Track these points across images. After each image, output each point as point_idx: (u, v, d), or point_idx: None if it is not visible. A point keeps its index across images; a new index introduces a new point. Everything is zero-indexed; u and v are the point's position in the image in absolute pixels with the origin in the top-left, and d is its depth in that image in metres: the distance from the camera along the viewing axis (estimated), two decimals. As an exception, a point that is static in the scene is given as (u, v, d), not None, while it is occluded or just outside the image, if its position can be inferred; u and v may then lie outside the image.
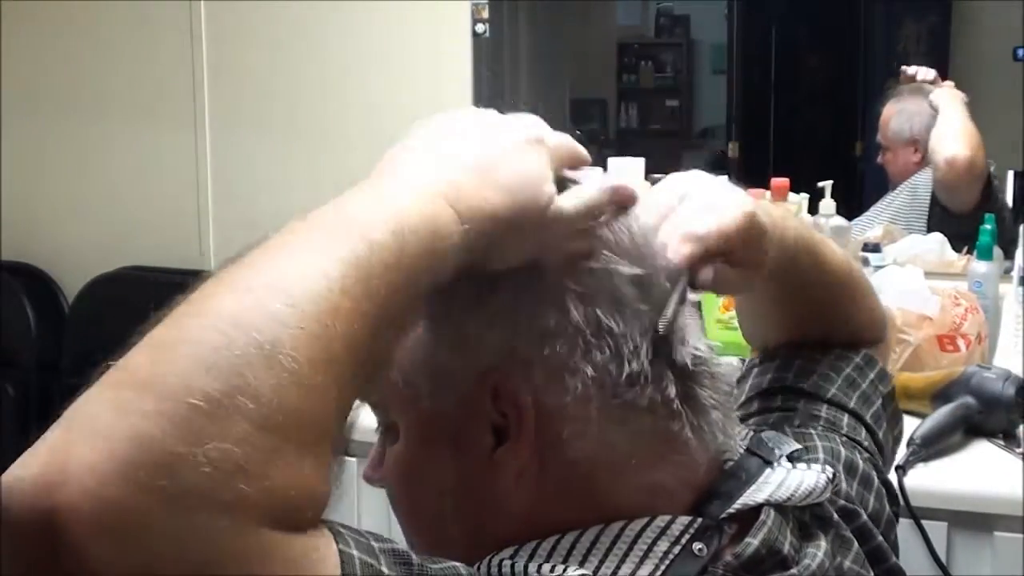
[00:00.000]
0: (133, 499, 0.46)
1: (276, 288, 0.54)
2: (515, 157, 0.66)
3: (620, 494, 0.67)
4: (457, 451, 0.69)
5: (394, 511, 0.76)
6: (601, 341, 0.67)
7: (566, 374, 0.67)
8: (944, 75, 2.46)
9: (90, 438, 0.48)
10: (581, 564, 0.65)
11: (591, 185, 0.69)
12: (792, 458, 0.74)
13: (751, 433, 0.76)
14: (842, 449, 0.84)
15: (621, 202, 0.70)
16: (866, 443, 0.90)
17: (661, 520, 0.66)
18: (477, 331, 0.68)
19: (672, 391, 0.69)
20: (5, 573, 0.47)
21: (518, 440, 0.67)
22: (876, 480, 0.86)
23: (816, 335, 0.94)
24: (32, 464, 0.48)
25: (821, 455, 0.81)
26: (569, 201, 0.67)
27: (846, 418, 0.90)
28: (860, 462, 0.85)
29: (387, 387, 0.71)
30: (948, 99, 2.39)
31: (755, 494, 0.69)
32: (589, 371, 0.67)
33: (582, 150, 0.72)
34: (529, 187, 0.65)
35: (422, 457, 0.71)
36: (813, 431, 0.86)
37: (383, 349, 0.58)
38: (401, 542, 0.60)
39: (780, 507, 0.70)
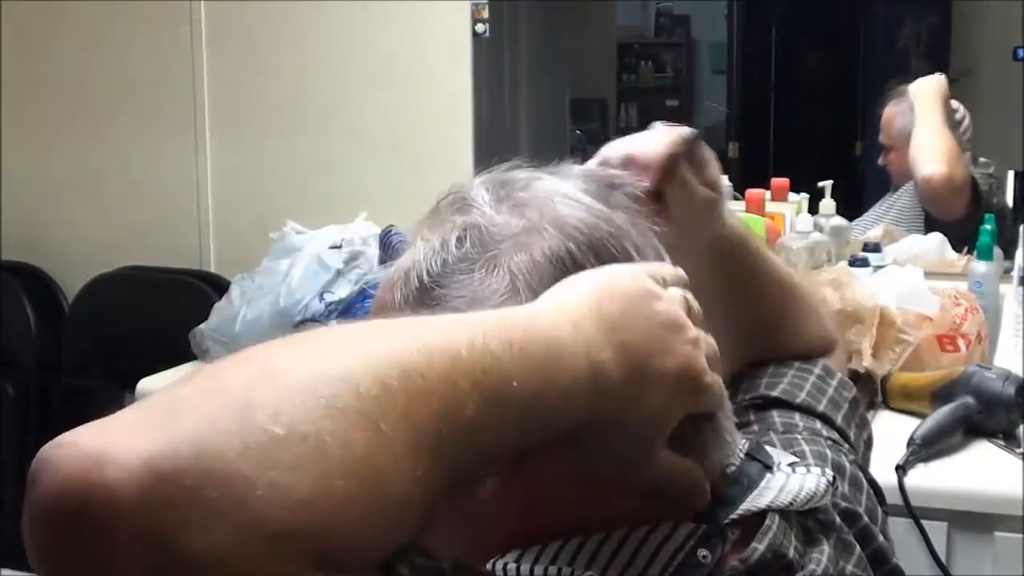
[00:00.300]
0: (176, 498, 0.45)
1: (394, 361, 0.52)
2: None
3: (618, 506, 0.67)
4: None
5: None
6: None
7: None
8: (944, 75, 2.46)
9: (158, 429, 0.47)
10: (586, 568, 0.64)
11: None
12: (791, 466, 0.74)
13: (746, 440, 0.76)
14: (828, 452, 0.84)
15: None
16: (844, 446, 0.90)
17: (665, 527, 0.66)
18: None
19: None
20: (27, 528, 0.46)
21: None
22: (864, 480, 0.86)
23: (770, 354, 0.95)
24: (93, 433, 0.47)
25: (810, 460, 0.81)
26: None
27: (818, 423, 0.90)
28: (847, 464, 0.85)
29: None
30: (924, 99, 2.38)
31: (757, 499, 0.69)
32: None
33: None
34: (647, 439, 0.63)
35: None
36: (799, 436, 0.86)
37: (484, 464, 0.56)
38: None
39: (784, 512, 0.70)
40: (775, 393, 0.91)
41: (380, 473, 0.49)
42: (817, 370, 0.95)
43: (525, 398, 0.55)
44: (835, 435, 0.90)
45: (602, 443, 0.61)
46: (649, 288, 0.63)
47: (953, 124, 2.35)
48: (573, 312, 0.60)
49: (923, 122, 2.36)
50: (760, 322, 0.92)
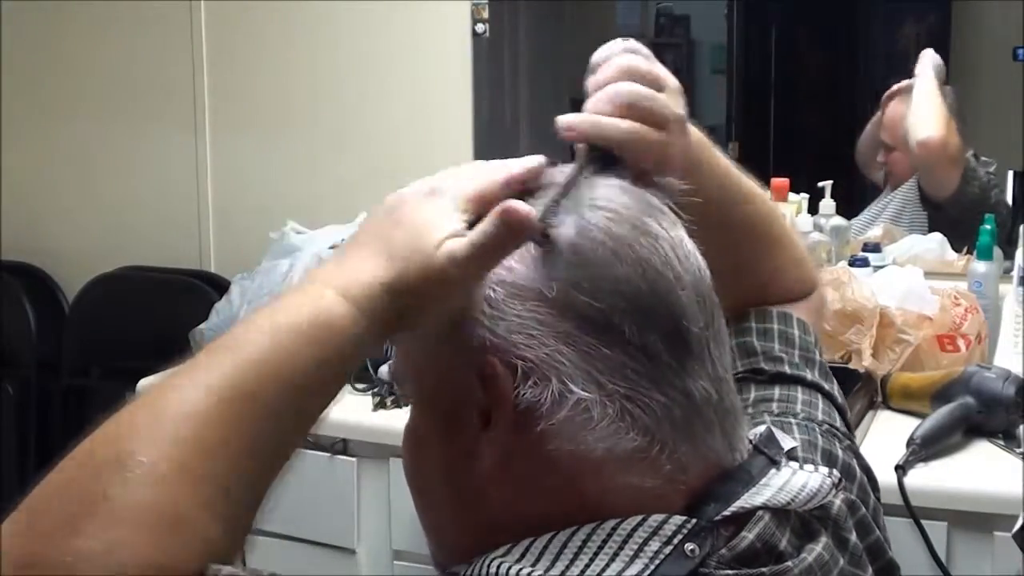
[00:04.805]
0: None
1: (149, 409, 0.62)
2: (407, 218, 0.68)
3: (604, 493, 0.67)
4: (449, 431, 0.71)
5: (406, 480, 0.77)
6: (592, 351, 0.67)
7: (548, 373, 0.67)
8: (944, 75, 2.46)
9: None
10: (572, 562, 0.65)
11: (486, 222, 0.67)
12: (792, 456, 0.74)
13: (756, 432, 0.75)
14: (820, 439, 0.84)
15: (516, 231, 0.66)
16: (839, 425, 0.89)
17: (654, 519, 0.66)
18: (469, 321, 0.69)
19: (677, 393, 0.68)
20: None
21: (498, 427, 0.68)
22: (857, 469, 0.85)
23: (744, 298, 0.93)
24: None
25: (799, 452, 0.80)
26: (459, 244, 0.66)
27: (819, 397, 0.90)
28: (839, 452, 0.84)
29: (402, 363, 0.75)
30: (923, 71, 2.38)
31: (753, 497, 0.69)
32: (574, 383, 0.67)
33: (504, 171, 0.70)
34: (417, 246, 0.66)
35: (423, 433, 0.74)
36: (792, 420, 0.85)
37: (280, 440, 0.64)
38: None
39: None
40: (772, 368, 0.91)
41: (148, 508, 0.58)
42: (797, 331, 0.94)
43: (278, 353, 0.63)
44: (834, 417, 0.89)
45: (413, 294, 0.66)
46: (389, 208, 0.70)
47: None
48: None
49: (919, 89, 2.36)
50: (733, 259, 0.86)
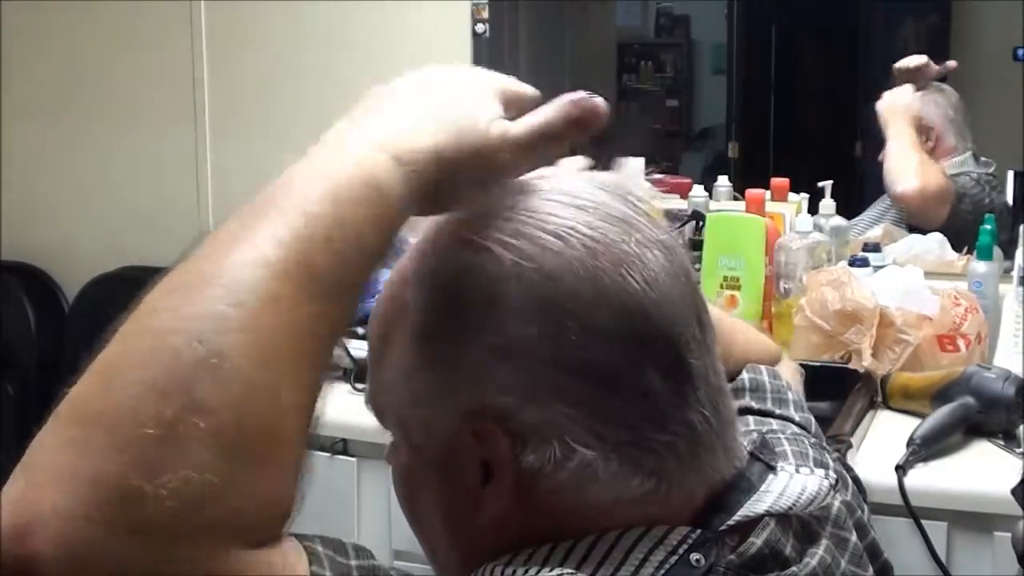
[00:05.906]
0: (101, 538, 0.47)
1: (216, 286, 0.54)
2: (454, 92, 0.66)
3: (614, 527, 0.66)
4: (446, 483, 0.69)
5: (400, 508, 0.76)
6: (589, 402, 0.65)
7: (547, 436, 0.65)
8: (944, 75, 2.46)
9: (51, 482, 0.49)
10: (577, 570, 0.64)
11: (546, 108, 0.67)
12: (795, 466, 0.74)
13: (751, 442, 0.75)
14: (809, 449, 0.84)
15: (583, 119, 0.66)
16: (827, 446, 0.91)
17: (658, 530, 0.65)
18: (455, 383, 0.66)
19: (680, 427, 0.67)
20: None
21: (500, 485, 0.66)
22: (847, 476, 0.86)
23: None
24: (21, 495, 0.49)
25: (792, 460, 0.80)
26: (514, 125, 0.66)
27: (792, 426, 0.92)
28: (830, 460, 0.85)
29: (385, 410, 0.72)
30: (892, 115, 2.38)
31: (756, 505, 0.68)
32: (575, 440, 0.64)
33: (527, 89, 0.70)
34: (468, 116, 0.65)
35: (418, 480, 0.72)
36: (781, 435, 0.86)
37: (338, 320, 0.58)
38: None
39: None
40: (742, 403, 0.93)
41: (247, 428, 0.51)
42: (767, 377, 0.98)
43: (336, 215, 0.58)
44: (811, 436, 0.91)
45: (457, 164, 0.63)
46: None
47: (922, 134, 2.36)
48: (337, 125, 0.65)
49: (892, 138, 2.37)
50: None
